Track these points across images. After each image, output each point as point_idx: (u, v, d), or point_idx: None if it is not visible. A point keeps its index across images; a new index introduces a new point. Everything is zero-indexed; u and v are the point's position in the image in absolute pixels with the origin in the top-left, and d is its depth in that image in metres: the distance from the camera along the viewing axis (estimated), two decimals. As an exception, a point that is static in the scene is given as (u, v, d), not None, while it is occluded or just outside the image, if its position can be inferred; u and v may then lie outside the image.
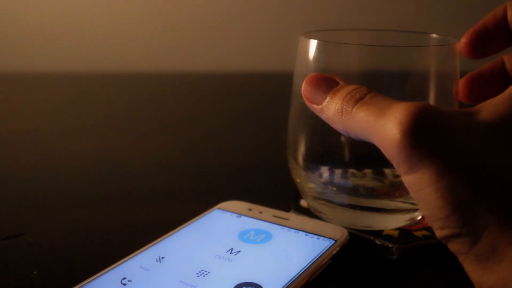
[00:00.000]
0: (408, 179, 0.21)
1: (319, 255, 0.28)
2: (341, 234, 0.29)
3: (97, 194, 0.39)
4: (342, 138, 0.31)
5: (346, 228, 0.30)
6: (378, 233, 0.30)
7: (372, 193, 0.32)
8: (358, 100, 0.23)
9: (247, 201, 0.34)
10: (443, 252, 0.25)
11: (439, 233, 0.21)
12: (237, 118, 0.64)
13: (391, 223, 0.31)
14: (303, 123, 0.31)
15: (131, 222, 0.35)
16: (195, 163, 0.47)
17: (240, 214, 0.32)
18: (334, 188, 0.31)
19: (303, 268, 0.26)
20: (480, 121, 0.21)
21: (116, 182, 0.42)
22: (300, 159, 0.32)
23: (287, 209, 0.34)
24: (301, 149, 0.32)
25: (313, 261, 0.27)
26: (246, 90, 0.79)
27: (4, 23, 0.88)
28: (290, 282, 0.25)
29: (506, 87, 0.23)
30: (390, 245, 0.29)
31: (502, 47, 0.31)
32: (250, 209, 0.33)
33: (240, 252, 0.28)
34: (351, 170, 0.32)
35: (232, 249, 0.28)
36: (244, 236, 0.30)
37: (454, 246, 0.21)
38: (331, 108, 0.24)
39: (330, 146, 0.32)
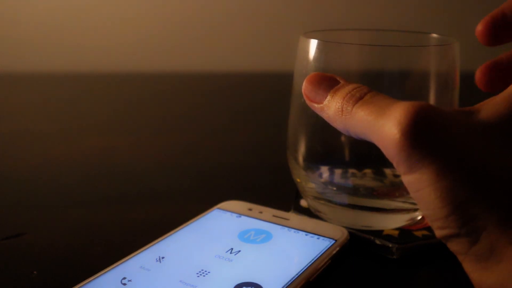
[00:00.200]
0: (408, 179, 0.21)
1: (319, 255, 0.28)
2: (341, 234, 0.29)
3: (97, 194, 0.39)
4: (342, 138, 0.31)
5: (346, 228, 0.30)
6: (378, 233, 0.30)
7: (372, 193, 0.32)
8: (358, 99, 0.23)
9: (247, 201, 0.34)
10: (443, 252, 0.25)
11: (438, 233, 0.21)
12: (237, 118, 0.64)
13: (391, 223, 0.31)
14: (303, 123, 0.31)
15: (131, 222, 0.35)
16: (195, 163, 0.47)
17: (240, 214, 0.32)
18: (334, 188, 0.31)
19: (303, 268, 0.26)
20: (480, 121, 0.21)
21: (116, 182, 0.42)
22: (300, 159, 0.32)
23: (287, 209, 0.34)
24: (301, 149, 0.32)
25: (313, 261, 0.27)
26: (246, 90, 0.79)
27: (4, 23, 0.88)
28: (290, 282, 0.25)
29: None
30: (390, 245, 0.29)
31: None
32: (250, 209, 0.33)
33: (240, 252, 0.28)
34: (351, 170, 0.32)
35: (232, 249, 0.28)
36: (244, 236, 0.30)
37: (453, 246, 0.21)
38: (332, 107, 0.24)
39: (330, 146, 0.32)
